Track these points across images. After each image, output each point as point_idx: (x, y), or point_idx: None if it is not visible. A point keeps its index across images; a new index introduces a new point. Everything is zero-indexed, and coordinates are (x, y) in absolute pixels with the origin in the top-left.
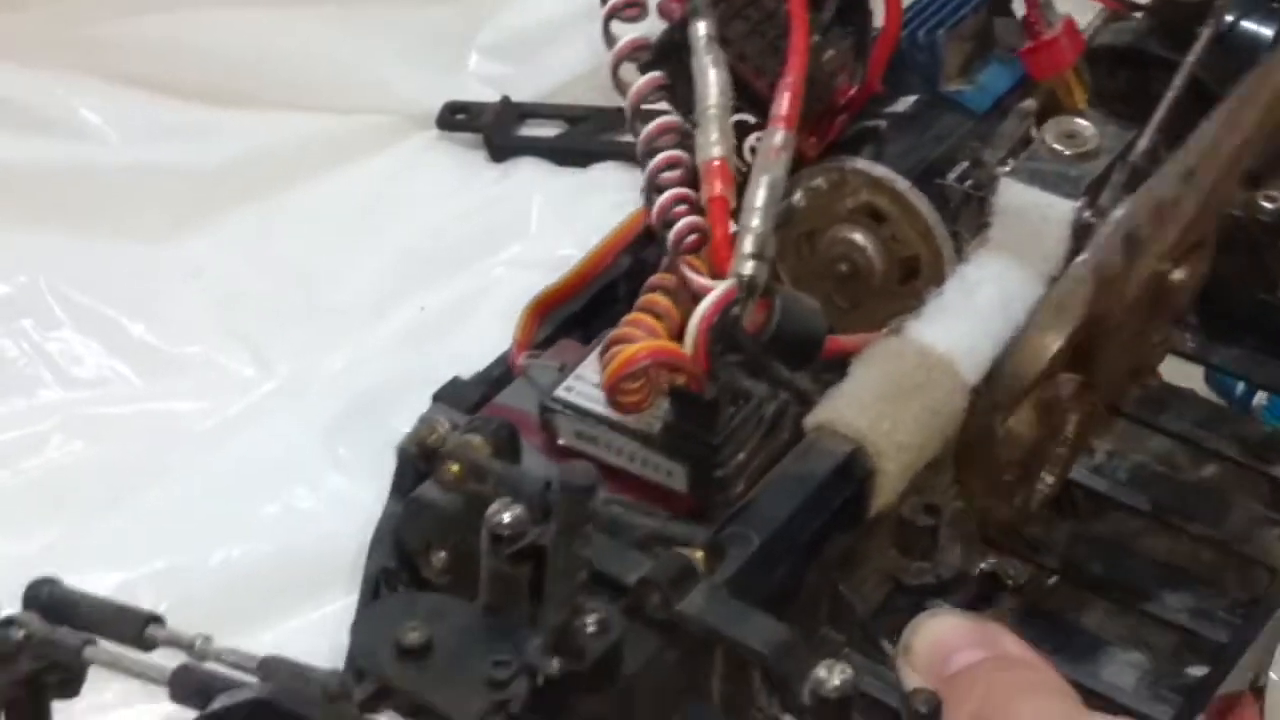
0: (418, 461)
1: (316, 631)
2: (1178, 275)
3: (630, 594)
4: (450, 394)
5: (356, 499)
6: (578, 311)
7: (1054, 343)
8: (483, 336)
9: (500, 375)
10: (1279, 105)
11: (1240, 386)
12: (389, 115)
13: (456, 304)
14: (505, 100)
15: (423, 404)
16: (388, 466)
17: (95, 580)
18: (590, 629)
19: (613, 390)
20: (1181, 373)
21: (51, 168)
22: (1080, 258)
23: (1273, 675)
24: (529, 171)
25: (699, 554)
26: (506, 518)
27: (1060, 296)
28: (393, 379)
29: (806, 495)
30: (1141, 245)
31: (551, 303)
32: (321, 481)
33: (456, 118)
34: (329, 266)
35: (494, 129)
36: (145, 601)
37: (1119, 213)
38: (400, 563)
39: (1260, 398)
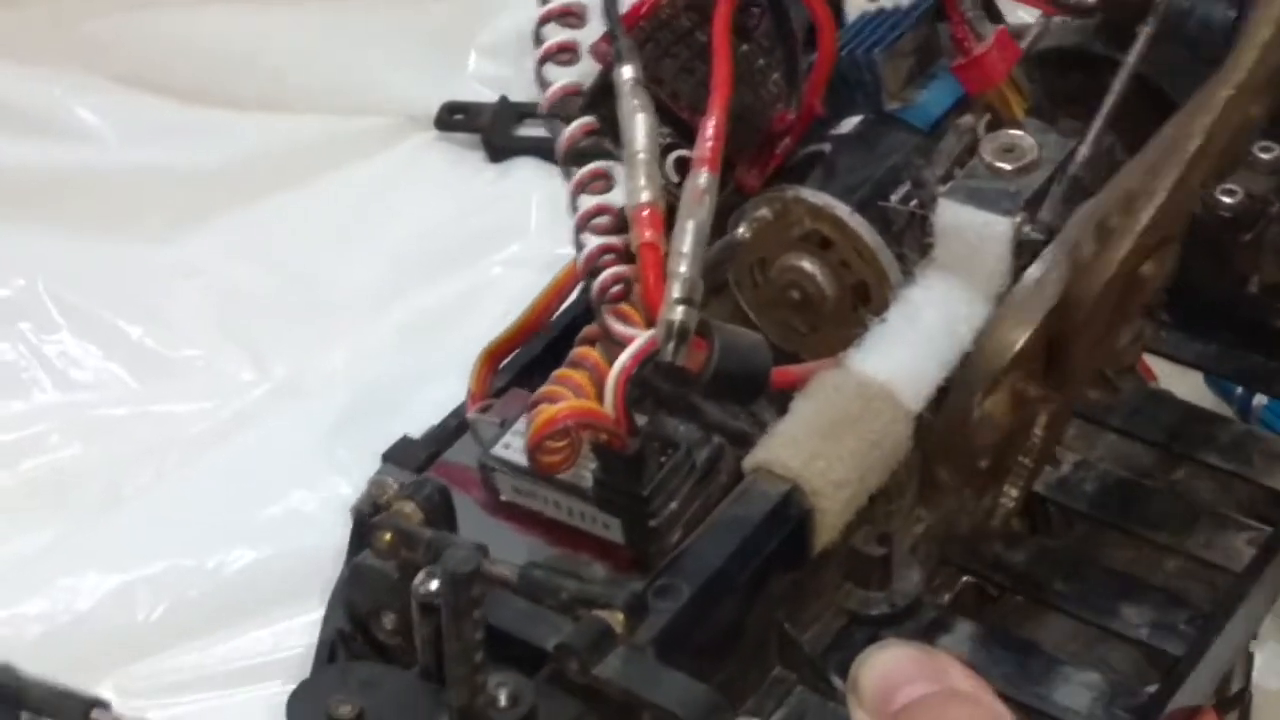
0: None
1: (313, 634)
2: (1146, 269)
3: (549, 661)
4: (399, 453)
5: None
6: (538, 355)
7: (1031, 322)
8: (481, 337)
9: (456, 428)
10: (1233, 109)
11: (1239, 389)
12: (388, 116)
13: (455, 304)
14: (503, 100)
15: (422, 405)
16: None
17: (93, 583)
18: (502, 702)
19: (535, 450)
20: (1178, 375)
21: (49, 169)
22: (1054, 243)
23: None
24: (527, 171)
25: (619, 615)
26: (433, 586)
27: (1038, 277)
28: (391, 379)
29: (741, 540)
30: (1112, 235)
31: (501, 352)
32: (320, 483)
33: (454, 118)
34: (327, 267)
35: (492, 129)
36: (143, 604)
37: (1088, 204)
38: (354, 626)
39: (1259, 400)
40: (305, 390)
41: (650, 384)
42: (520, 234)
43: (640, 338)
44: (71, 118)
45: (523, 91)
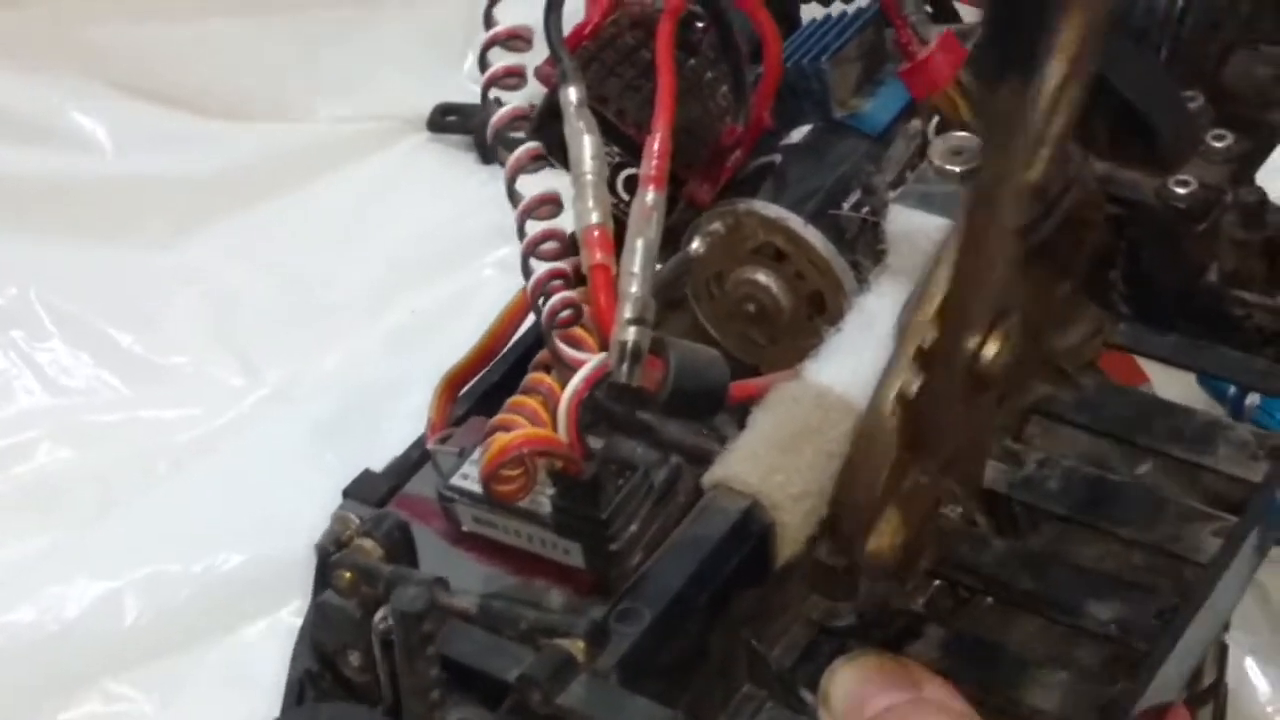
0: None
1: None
2: (989, 351)
3: (511, 692)
4: (360, 488)
5: None
6: (497, 381)
7: (875, 484)
8: (473, 339)
9: (418, 459)
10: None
11: (1232, 388)
12: (381, 119)
13: (447, 306)
14: (496, 102)
15: (413, 409)
16: None
17: (81, 588)
18: None
19: (490, 480)
20: (1171, 377)
21: (45, 175)
22: (879, 389)
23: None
24: None
25: (580, 643)
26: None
27: (868, 439)
28: (383, 383)
29: (702, 559)
30: (933, 356)
31: (460, 380)
32: (311, 489)
33: (447, 119)
34: (319, 271)
35: (485, 131)
36: (131, 609)
37: (904, 331)
38: (321, 664)
39: (1252, 399)
40: (296, 396)
41: (604, 407)
42: (512, 236)
43: (591, 362)
44: (68, 124)
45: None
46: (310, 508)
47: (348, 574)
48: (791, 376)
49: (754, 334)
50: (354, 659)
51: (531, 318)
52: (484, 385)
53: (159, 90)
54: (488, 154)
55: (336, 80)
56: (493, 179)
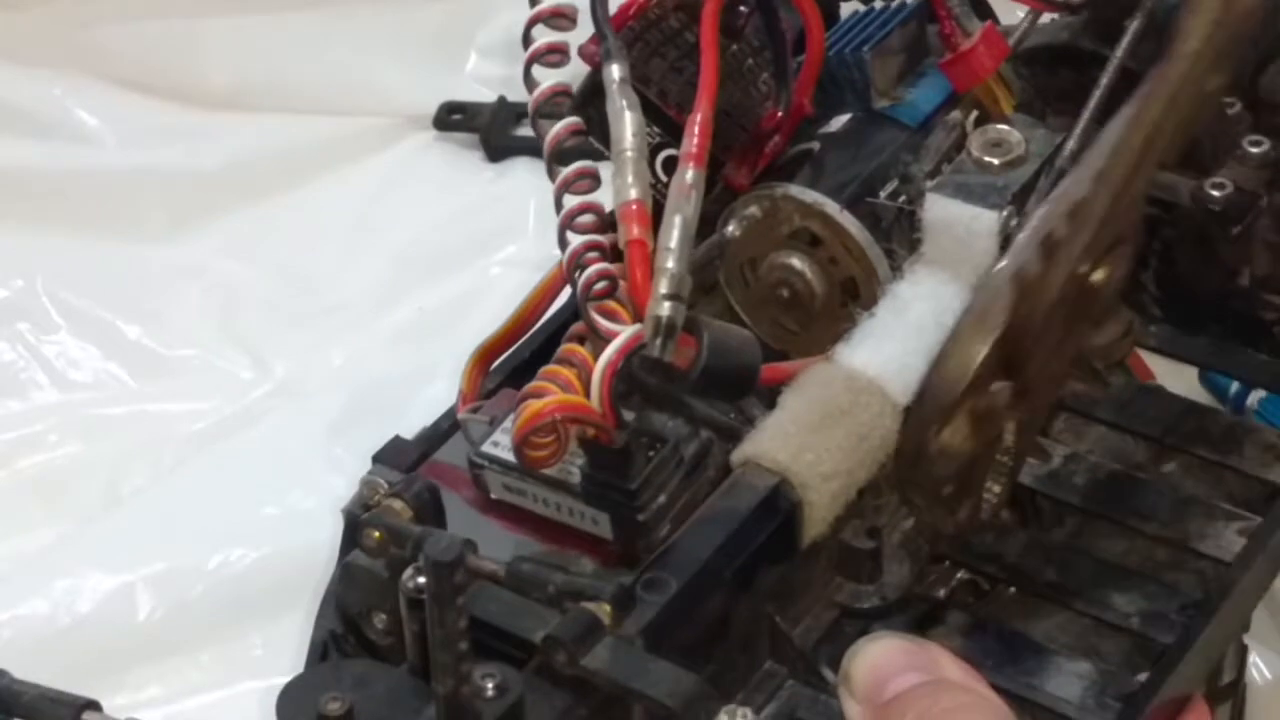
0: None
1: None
2: (1097, 276)
3: (537, 653)
4: (390, 454)
5: None
6: (530, 356)
7: (978, 353)
8: (480, 337)
9: (448, 429)
10: (1182, 97)
11: (1234, 385)
12: (386, 117)
13: (454, 304)
14: (502, 100)
15: (421, 405)
16: None
17: (92, 583)
18: (489, 693)
19: (522, 445)
20: (1173, 372)
21: (48, 170)
22: (999, 265)
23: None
24: (525, 172)
25: (606, 608)
26: (420, 581)
27: (982, 306)
28: (391, 379)
29: (729, 533)
30: (1058, 248)
31: (493, 353)
32: (319, 483)
33: (453, 118)
34: (326, 267)
35: (491, 129)
36: (142, 604)
37: (1034, 219)
38: (345, 626)
39: (1254, 397)
40: (304, 390)
41: (638, 380)
42: (518, 234)
43: (626, 331)
44: (71, 119)
45: (521, 92)
46: (319, 502)
47: (376, 534)
48: (823, 359)
49: (786, 320)
50: (379, 621)
51: (565, 294)
52: (516, 359)
53: (163, 85)
54: (494, 153)
55: (342, 76)
56: (499, 177)
